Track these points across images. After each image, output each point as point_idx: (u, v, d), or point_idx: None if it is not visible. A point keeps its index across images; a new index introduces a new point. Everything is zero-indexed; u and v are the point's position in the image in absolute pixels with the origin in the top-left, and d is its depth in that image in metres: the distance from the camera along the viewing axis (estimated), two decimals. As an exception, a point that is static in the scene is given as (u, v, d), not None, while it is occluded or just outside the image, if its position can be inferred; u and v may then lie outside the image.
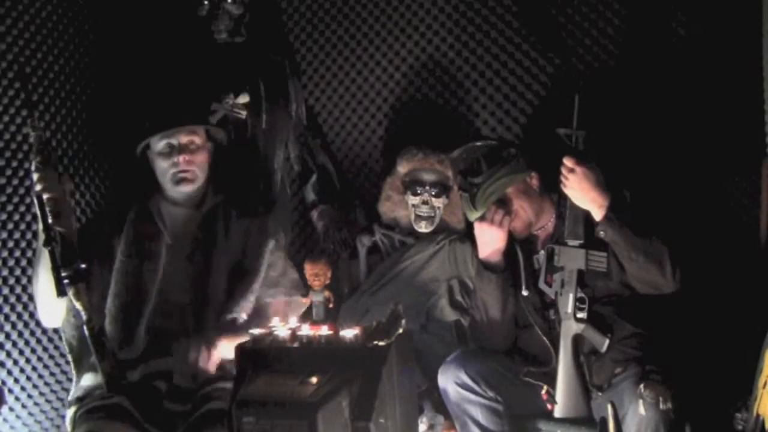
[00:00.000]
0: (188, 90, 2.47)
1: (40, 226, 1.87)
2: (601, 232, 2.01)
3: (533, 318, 2.17)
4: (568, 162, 2.02)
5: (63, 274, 1.82)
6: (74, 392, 2.03)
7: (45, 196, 1.87)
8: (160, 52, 2.72)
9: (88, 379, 2.01)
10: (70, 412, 2.00)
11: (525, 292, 2.18)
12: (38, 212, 1.87)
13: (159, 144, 2.14)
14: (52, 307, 1.98)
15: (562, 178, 2.05)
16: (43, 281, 1.91)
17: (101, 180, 2.70)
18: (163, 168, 2.14)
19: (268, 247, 2.23)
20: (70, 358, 2.05)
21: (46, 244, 1.83)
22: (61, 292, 1.81)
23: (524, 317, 2.20)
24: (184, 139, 2.14)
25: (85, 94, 2.64)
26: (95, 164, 2.67)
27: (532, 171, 2.25)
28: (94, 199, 2.66)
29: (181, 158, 2.12)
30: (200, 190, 2.21)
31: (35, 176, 1.88)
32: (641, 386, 1.84)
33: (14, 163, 2.31)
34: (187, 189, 2.16)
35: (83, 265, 1.86)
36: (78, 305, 1.84)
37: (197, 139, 2.17)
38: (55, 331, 2.44)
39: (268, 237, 2.26)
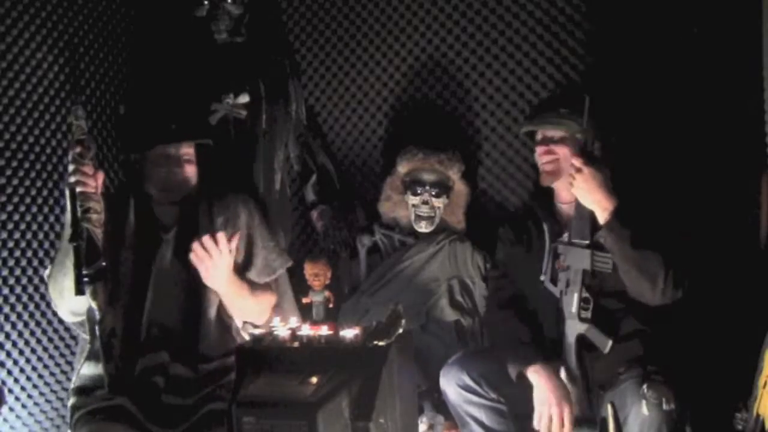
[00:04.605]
0: (190, 100, 2.44)
1: (68, 219, 1.82)
2: (601, 238, 2.02)
3: (546, 307, 2.16)
4: (575, 162, 2.03)
5: (84, 273, 1.77)
6: (75, 380, 2.01)
7: (78, 190, 1.82)
8: (161, 53, 2.72)
9: (88, 368, 1.99)
10: (71, 401, 2.00)
11: (542, 278, 2.16)
12: (68, 205, 1.82)
13: (154, 152, 2.12)
14: (76, 303, 1.91)
15: (569, 178, 2.05)
16: (69, 278, 1.84)
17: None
18: (156, 176, 2.12)
19: (242, 220, 2.20)
20: (88, 338, 1.96)
21: (72, 239, 1.78)
22: (79, 291, 1.77)
23: (538, 304, 2.19)
24: (181, 150, 2.13)
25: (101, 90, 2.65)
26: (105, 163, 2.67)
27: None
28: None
29: (177, 171, 2.11)
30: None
31: (70, 167, 1.84)
32: (644, 386, 1.84)
33: (14, 163, 2.31)
34: (173, 198, 2.15)
35: (104, 264, 1.81)
36: (93, 304, 1.80)
37: (191, 151, 2.17)
38: (56, 330, 2.44)
39: (243, 208, 2.22)
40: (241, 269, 2.19)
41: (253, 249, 2.23)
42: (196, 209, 2.19)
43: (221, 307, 2.15)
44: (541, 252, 2.20)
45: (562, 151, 2.18)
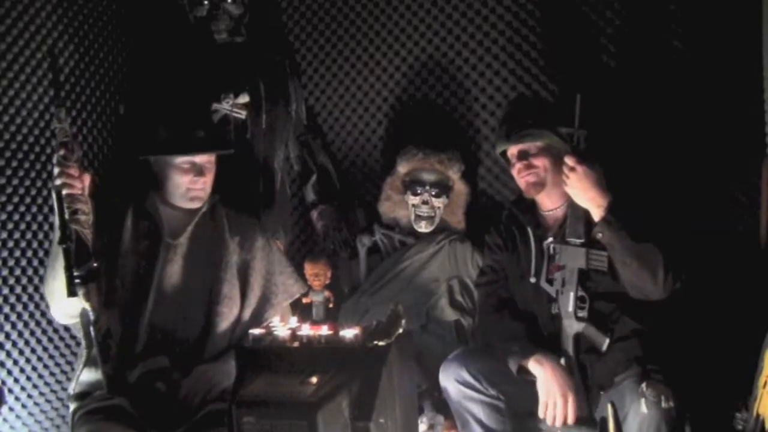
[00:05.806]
0: (207, 108, 2.48)
1: (56, 222, 1.82)
2: (599, 234, 2.02)
3: (536, 308, 2.16)
4: (569, 161, 2.03)
5: (75, 274, 1.77)
6: (74, 387, 2.01)
7: (64, 192, 1.82)
8: (160, 53, 2.72)
9: (88, 374, 2.00)
10: (71, 407, 2.00)
11: (533, 279, 2.18)
12: (55, 208, 1.82)
13: (179, 159, 2.14)
14: (68, 305, 1.91)
15: (563, 177, 2.05)
16: (59, 280, 1.86)
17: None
18: (179, 182, 2.15)
19: (259, 244, 2.27)
20: (84, 343, 1.95)
21: (61, 241, 1.79)
22: (71, 292, 1.77)
23: (527, 306, 2.20)
24: (205, 160, 2.17)
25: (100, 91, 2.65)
26: (102, 164, 2.67)
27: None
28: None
29: (201, 180, 2.14)
30: None
31: (56, 170, 1.84)
32: (643, 385, 1.85)
33: (14, 163, 2.31)
34: (196, 205, 2.19)
35: (95, 265, 1.81)
36: (87, 306, 1.80)
37: (213, 159, 2.20)
38: (56, 330, 2.44)
39: (260, 234, 2.30)
40: (260, 297, 2.24)
41: (272, 277, 2.29)
42: (210, 219, 2.22)
43: (238, 323, 2.18)
44: (527, 255, 2.21)
45: (542, 162, 2.19)
